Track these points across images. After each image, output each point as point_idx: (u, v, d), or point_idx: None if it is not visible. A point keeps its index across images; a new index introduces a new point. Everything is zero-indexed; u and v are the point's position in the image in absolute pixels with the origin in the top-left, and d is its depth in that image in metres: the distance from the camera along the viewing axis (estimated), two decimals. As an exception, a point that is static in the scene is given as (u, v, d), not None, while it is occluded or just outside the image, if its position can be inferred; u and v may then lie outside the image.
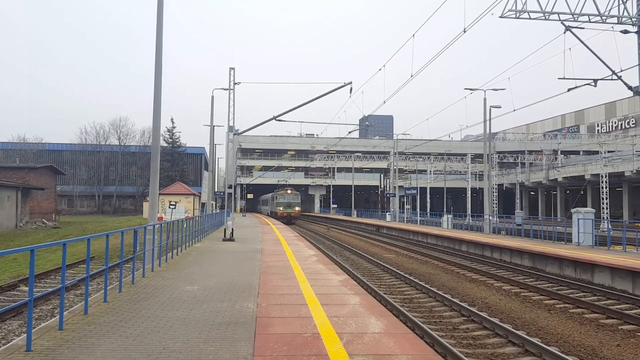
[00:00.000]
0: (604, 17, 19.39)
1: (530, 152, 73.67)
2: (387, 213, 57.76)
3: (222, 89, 28.55)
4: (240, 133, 31.98)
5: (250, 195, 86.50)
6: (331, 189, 77.07)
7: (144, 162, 75.11)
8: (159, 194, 17.17)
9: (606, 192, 41.26)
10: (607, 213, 39.62)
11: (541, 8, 18.80)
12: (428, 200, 59.59)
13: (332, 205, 78.58)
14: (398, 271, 17.21)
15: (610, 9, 19.45)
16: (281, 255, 16.23)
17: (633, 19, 19.62)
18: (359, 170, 76.53)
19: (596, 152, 55.25)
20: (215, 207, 46.93)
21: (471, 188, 58.01)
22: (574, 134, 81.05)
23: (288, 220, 52.56)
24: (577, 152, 75.89)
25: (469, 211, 51.48)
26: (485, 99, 31.90)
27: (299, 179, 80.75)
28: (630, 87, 19.44)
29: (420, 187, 58.82)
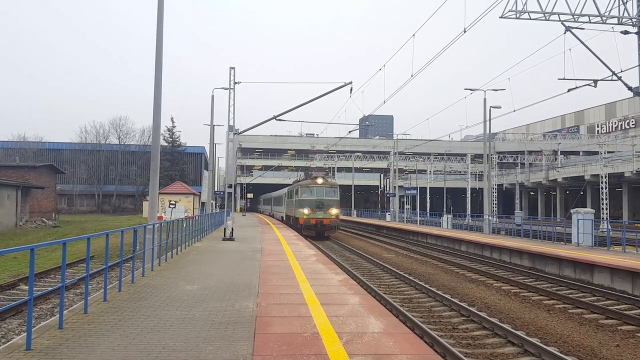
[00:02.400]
0: (604, 18, 19.41)
1: (530, 152, 73.70)
2: (387, 213, 57.77)
3: (222, 88, 28.57)
4: (240, 132, 32.00)
5: (250, 195, 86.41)
6: (331, 189, 76.86)
7: (144, 161, 75.11)
8: (159, 193, 17.22)
9: (606, 192, 41.27)
10: (606, 213, 39.63)
11: (541, 8, 18.81)
12: (428, 200, 59.61)
13: (332, 205, 78.32)
14: (398, 271, 17.22)
15: (611, 10, 19.47)
16: (281, 254, 16.23)
17: (633, 20, 19.64)
18: (359, 170, 76.54)
19: (596, 153, 55.29)
20: (215, 207, 46.93)
21: (471, 188, 58.01)
22: (573, 134, 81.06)
23: (319, 231, 30.38)
24: (577, 153, 75.91)
25: (468, 211, 51.51)
26: (485, 100, 31.92)
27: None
28: (630, 88, 19.47)
29: (420, 187, 58.82)
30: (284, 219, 40.88)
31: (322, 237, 30.55)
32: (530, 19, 18.89)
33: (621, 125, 76.69)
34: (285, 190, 41.84)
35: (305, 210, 30.04)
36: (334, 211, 30.43)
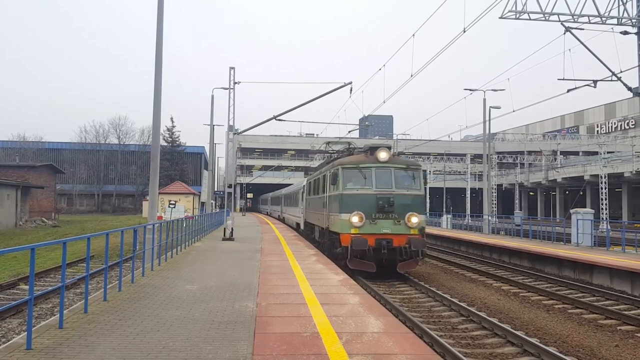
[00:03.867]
0: (603, 18, 19.41)
1: (529, 152, 73.71)
2: (387, 213, 57.59)
3: (222, 88, 28.62)
4: (240, 132, 32.00)
5: (250, 195, 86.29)
6: (331, 189, 76.59)
7: (144, 161, 75.17)
8: (159, 193, 17.25)
9: (605, 192, 41.30)
10: (606, 214, 39.66)
11: (541, 9, 18.82)
12: (427, 200, 59.59)
13: (332, 205, 78.10)
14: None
15: (610, 10, 19.47)
16: (281, 254, 16.24)
17: (633, 20, 19.65)
18: (359, 170, 76.26)
19: (595, 153, 55.32)
20: (215, 207, 46.92)
21: (470, 188, 58.02)
22: (573, 134, 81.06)
23: (382, 260, 14.72)
24: (576, 153, 75.93)
25: (468, 211, 51.52)
26: (485, 100, 31.95)
27: (299, 178, 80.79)
28: (629, 88, 19.45)
29: (419, 187, 58.62)
30: (301, 227, 26.51)
31: (387, 271, 15.17)
32: (529, 19, 18.88)
33: (621, 125, 76.71)
34: (303, 182, 28.20)
35: (354, 218, 14.88)
36: (414, 220, 15.07)
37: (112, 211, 76.38)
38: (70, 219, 54.74)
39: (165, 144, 76.66)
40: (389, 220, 14.99)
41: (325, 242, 18.10)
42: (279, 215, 45.96)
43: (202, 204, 41.06)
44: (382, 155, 15.59)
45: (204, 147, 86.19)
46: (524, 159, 67.90)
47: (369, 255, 14.51)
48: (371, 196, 15.11)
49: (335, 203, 16.12)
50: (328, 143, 24.41)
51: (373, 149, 15.99)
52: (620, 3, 19.47)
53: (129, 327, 6.70)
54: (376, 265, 14.66)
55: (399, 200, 15.08)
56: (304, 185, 26.51)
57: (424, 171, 17.15)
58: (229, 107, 26.54)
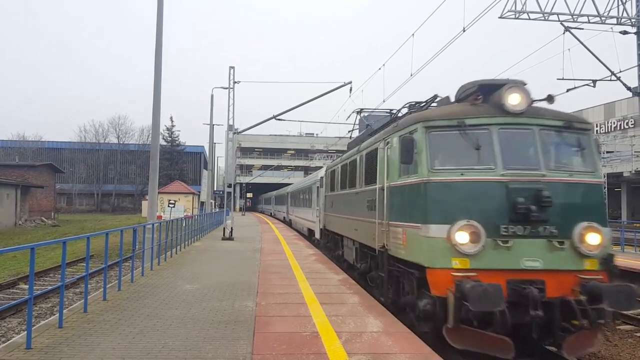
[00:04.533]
0: (603, 18, 19.45)
1: (529, 152, 73.71)
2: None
3: (221, 87, 28.68)
4: (240, 132, 32.01)
5: (249, 195, 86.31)
6: (330, 188, 76.45)
7: (143, 160, 75.12)
8: (158, 192, 17.26)
9: (605, 192, 41.32)
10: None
11: (540, 9, 18.85)
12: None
13: (332, 205, 78.02)
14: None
15: (610, 10, 19.53)
16: (280, 254, 16.25)
17: (632, 20, 19.69)
18: (358, 169, 76.13)
19: (595, 153, 55.29)
20: (215, 206, 46.92)
21: (470, 188, 57.83)
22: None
23: (525, 325, 6.23)
24: (576, 153, 76.00)
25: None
26: (484, 99, 31.91)
27: (299, 178, 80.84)
28: (629, 88, 19.50)
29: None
30: (316, 236, 20.47)
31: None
32: (529, 19, 18.92)
33: (620, 125, 76.66)
34: (320, 173, 20.16)
35: (461, 236, 6.44)
36: (594, 239, 6.71)
37: (111, 211, 76.40)
38: (69, 218, 54.76)
39: (165, 143, 76.59)
40: (537, 241, 6.79)
41: (371, 271, 10.25)
42: (284, 217, 39.49)
43: (202, 203, 41.07)
44: (515, 98, 7.18)
45: (203, 146, 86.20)
46: (523, 159, 67.82)
47: (500, 319, 6.26)
48: (495, 186, 6.92)
49: (408, 201, 7.66)
50: (360, 111, 15.86)
51: (492, 88, 7.54)
52: (620, 3, 19.52)
53: (128, 327, 6.71)
54: (508, 333, 6.34)
55: (558, 195, 6.90)
56: (321, 177, 18.91)
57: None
58: (229, 106, 26.60)
